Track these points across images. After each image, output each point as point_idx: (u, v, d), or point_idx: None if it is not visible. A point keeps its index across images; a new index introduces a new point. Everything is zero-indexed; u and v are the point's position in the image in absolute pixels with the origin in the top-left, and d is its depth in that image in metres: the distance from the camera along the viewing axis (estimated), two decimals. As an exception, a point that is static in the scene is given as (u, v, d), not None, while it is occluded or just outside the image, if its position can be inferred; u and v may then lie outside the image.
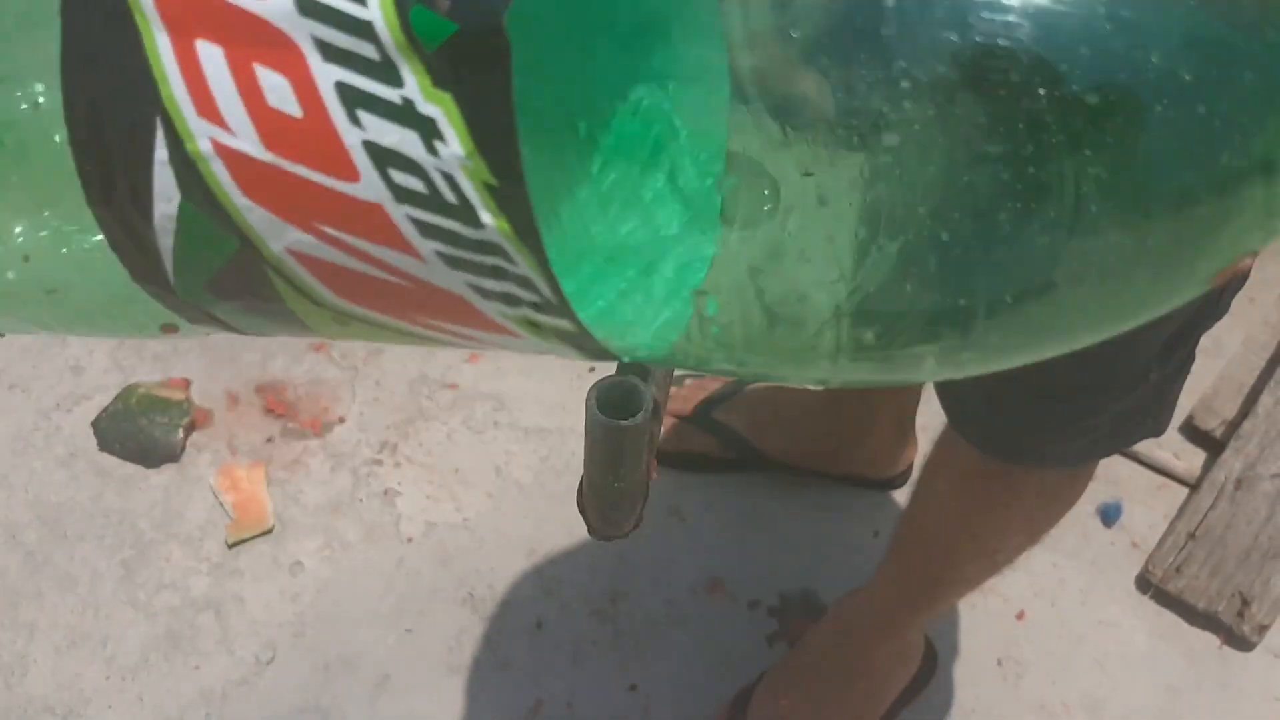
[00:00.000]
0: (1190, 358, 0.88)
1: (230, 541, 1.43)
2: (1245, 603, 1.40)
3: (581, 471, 0.80)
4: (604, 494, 0.79)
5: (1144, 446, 1.52)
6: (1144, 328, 0.79)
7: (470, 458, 1.51)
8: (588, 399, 0.62)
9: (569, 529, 1.46)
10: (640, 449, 0.72)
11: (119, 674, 1.37)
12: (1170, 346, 0.84)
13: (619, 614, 1.42)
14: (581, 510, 0.84)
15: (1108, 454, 0.95)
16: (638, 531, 1.42)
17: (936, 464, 1.10)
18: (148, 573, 1.42)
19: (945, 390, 0.94)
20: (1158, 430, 0.93)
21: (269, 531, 1.44)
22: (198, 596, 1.41)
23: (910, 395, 1.39)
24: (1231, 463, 1.46)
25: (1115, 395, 0.86)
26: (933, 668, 1.36)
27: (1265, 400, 1.48)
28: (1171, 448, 1.54)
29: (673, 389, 1.50)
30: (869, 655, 1.29)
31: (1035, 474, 1.00)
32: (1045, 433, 0.91)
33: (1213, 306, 0.83)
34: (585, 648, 1.40)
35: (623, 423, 0.65)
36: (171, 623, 1.40)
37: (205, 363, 1.55)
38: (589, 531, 0.86)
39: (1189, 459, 1.53)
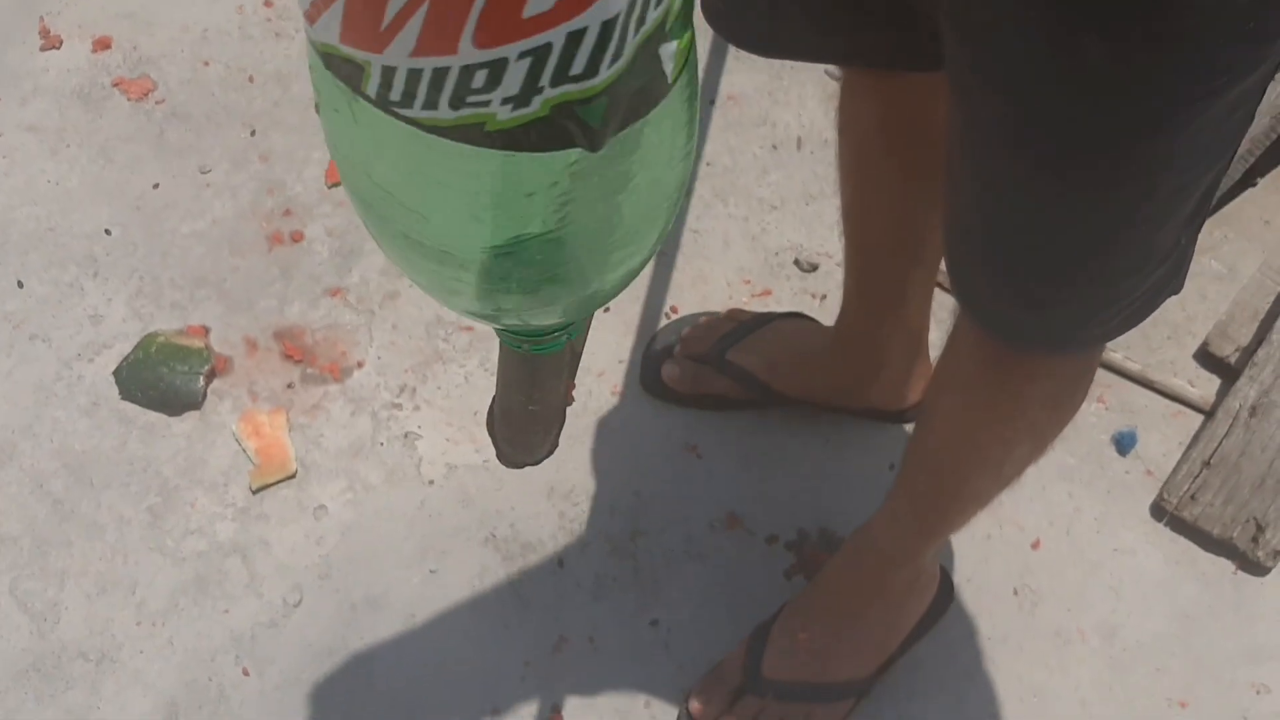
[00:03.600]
0: (1207, 210, 0.87)
1: (254, 487, 1.45)
2: (1260, 528, 1.41)
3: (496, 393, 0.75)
4: (516, 418, 0.76)
5: (1160, 374, 1.52)
6: (1174, 203, 0.80)
7: (488, 399, 1.51)
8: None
9: (588, 468, 1.47)
10: (558, 371, 0.70)
11: (149, 619, 1.40)
12: (1196, 212, 0.84)
13: (638, 551, 1.44)
14: (491, 434, 0.81)
15: (1137, 324, 0.95)
16: (658, 471, 1.42)
17: (941, 380, 1.11)
18: (174, 519, 1.44)
19: (967, 291, 0.94)
20: (1178, 288, 0.93)
21: (292, 476, 1.46)
22: (224, 541, 1.43)
23: (921, 327, 1.39)
24: (1246, 390, 1.46)
25: (1151, 270, 0.87)
26: (949, 597, 1.38)
27: (1280, 327, 1.48)
28: (1186, 375, 1.54)
29: (686, 331, 1.50)
30: (883, 584, 1.31)
31: (1040, 381, 1.00)
32: (1084, 318, 0.92)
33: (1227, 162, 0.83)
34: (606, 584, 1.42)
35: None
36: (199, 568, 1.42)
37: (222, 309, 1.55)
38: (498, 457, 0.82)
39: (1204, 386, 1.53)
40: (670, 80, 0.45)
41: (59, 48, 1.73)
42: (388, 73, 0.41)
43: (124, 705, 1.36)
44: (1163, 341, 1.56)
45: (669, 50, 0.43)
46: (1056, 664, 1.39)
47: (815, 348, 1.47)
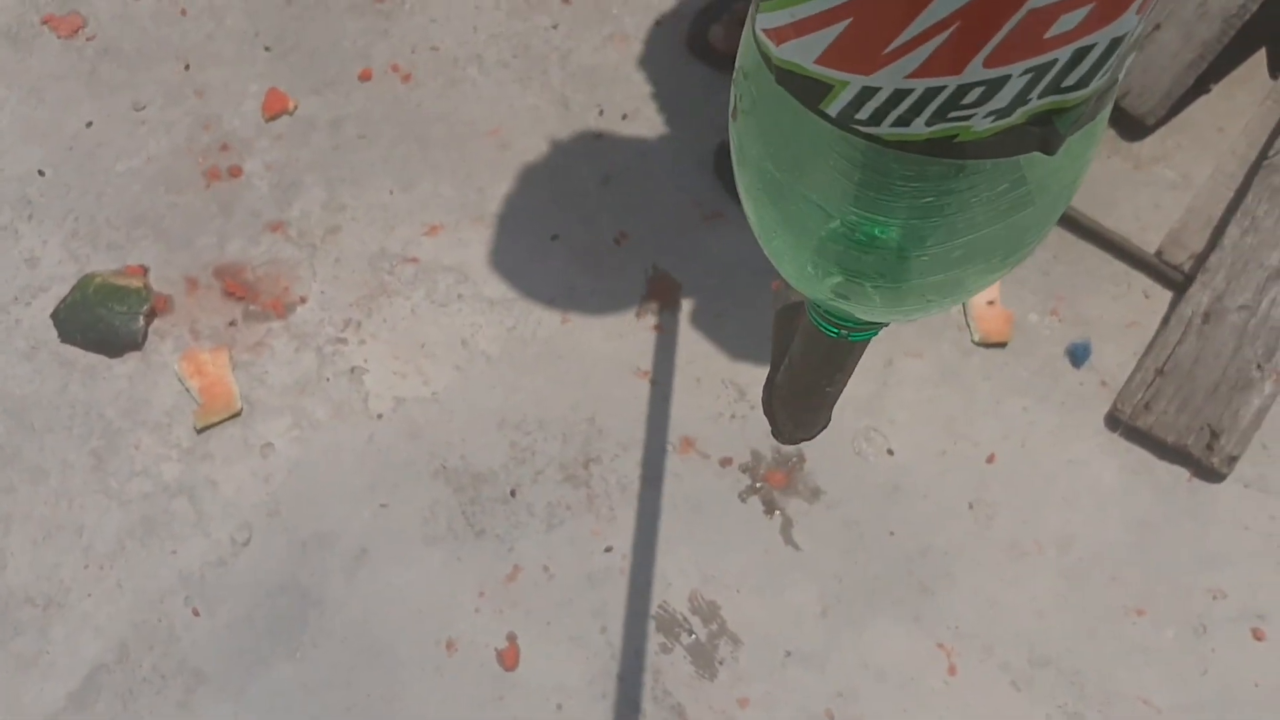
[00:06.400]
0: None
1: (199, 426, 1.43)
2: (1214, 435, 1.40)
3: (771, 371, 0.78)
4: (812, 398, 0.78)
5: (1115, 284, 1.51)
6: None
7: (435, 331, 1.49)
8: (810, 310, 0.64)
9: (539, 398, 1.45)
10: (860, 355, 0.72)
11: (97, 562, 1.38)
12: None
13: (592, 478, 1.42)
14: (770, 416, 0.82)
15: None
16: (610, 398, 1.39)
17: None
18: (118, 461, 1.42)
19: None
20: None
21: (237, 414, 1.44)
22: (170, 482, 1.41)
23: None
24: (1199, 296, 1.45)
25: None
26: None
27: (1232, 232, 1.46)
28: (1141, 285, 1.52)
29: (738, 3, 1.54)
30: None
31: None
32: None
33: None
34: (560, 513, 1.41)
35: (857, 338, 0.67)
36: (146, 509, 1.40)
37: (161, 248, 1.52)
38: (775, 435, 0.84)
39: (1158, 296, 1.51)
40: (1117, 85, 0.45)
41: (-16, -14, 1.68)
42: (866, 93, 0.41)
43: (74, 649, 1.34)
44: (1118, 253, 1.54)
45: (1130, 59, 0.44)
46: (1013, 576, 1.39)
47: None
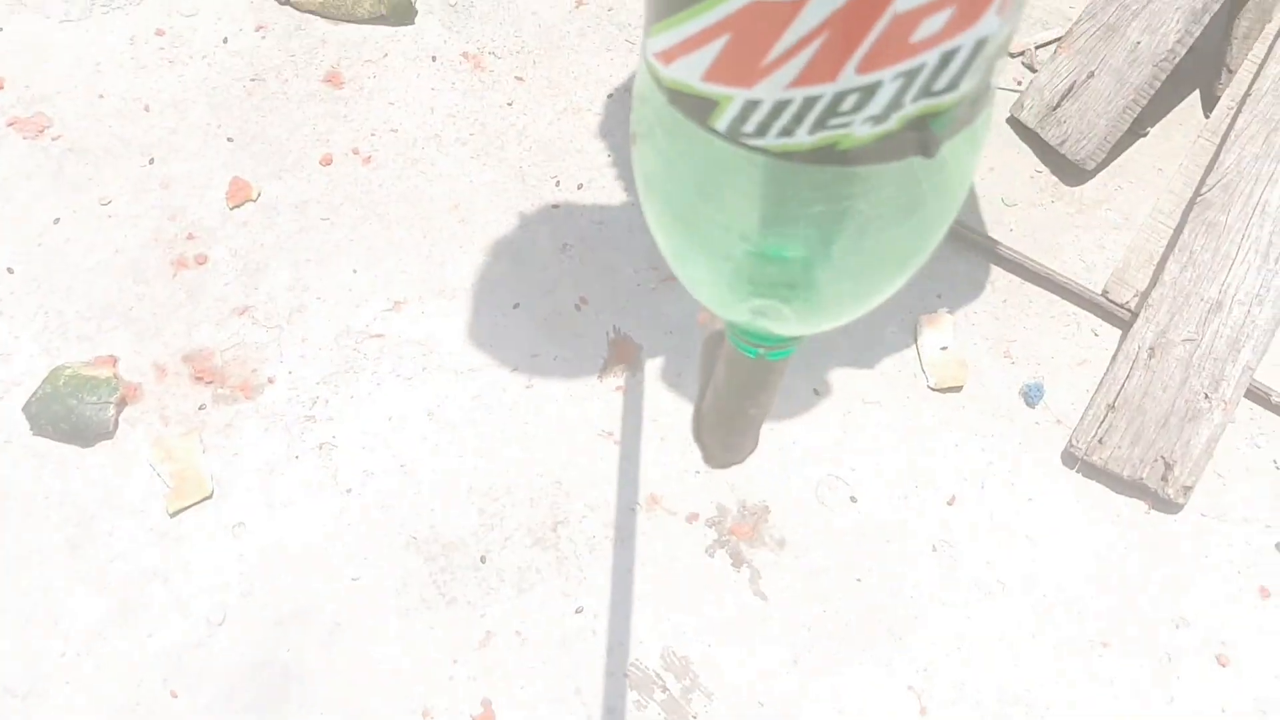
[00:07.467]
0: None
1: (171, 510, 1.45)
2: (1168, 466, 1.43)
3: (702, 402, 0.80)
4: (735, 422, 0.80)
5: (1064, 325, 1.54)
6: None
7: (402, 404, 1.52)
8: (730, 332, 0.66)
9: (505, 465, 1.48)
10: (782, 374, 0.74)
11: (75, 650, 1.39)
12: None
13: (560, 540, 1.44)
14: (699, 440, 0.84)
15: None
16: (576, 460, 1.41)
17: None
18: (94, 549, 1.44)
19: None
20: None
21: (209, 497, 1.46)
22: (145, 567, 1.43)
23: None
24: (1143, 331, 1.48)
25: None
26: None
27: (1171, 268, 1.50)
28: (1089, 325, 1.56)
29: None
30: None
31: None
32: None
33: None
34: (530, 576, 1.43)
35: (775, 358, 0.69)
36: (122, 595, 1.42)
37: (130, 337, 1.55)
38: (706, 460, 0.86)
39: (1107, 335, 1.55)
40: (991, 90, 0.47)
41: (-48, 92, 1.73)
42: (750, 106, 0.43)
43: (53, 738, 1.35)
44: (1066, 294, 1.58)
45: (1002, 61, 0.46)
46: (979, 615, 1.41)
47: None
